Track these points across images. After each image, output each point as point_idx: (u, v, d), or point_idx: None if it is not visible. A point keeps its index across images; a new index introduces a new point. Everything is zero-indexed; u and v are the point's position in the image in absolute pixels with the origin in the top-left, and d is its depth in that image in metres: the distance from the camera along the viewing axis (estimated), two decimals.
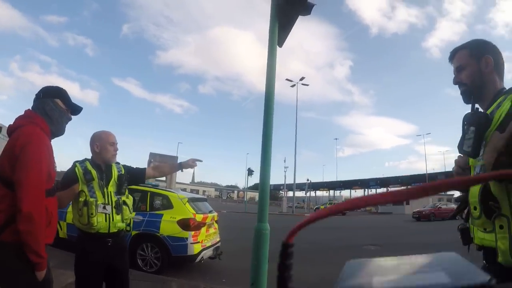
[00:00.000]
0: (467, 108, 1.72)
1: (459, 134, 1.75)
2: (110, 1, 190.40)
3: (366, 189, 75.18)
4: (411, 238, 15.60)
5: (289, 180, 56.23)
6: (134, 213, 3.21)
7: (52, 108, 2.34)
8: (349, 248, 11.54)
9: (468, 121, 1.66)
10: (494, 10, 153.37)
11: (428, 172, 65.85)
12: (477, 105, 1.73)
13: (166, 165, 3.76)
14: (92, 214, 2.80)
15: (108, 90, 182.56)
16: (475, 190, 1.58)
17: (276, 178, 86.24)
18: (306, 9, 3.61)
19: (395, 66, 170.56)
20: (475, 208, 1.59)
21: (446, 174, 53.29)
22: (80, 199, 2.83)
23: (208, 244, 7.29)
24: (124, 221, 3.02)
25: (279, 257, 0.49)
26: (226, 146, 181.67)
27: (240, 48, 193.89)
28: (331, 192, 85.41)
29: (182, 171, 3.39)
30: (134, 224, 6.42)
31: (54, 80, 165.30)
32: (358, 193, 79.39)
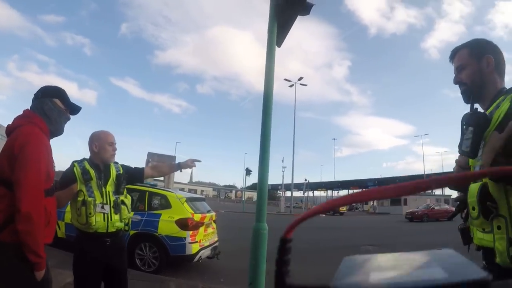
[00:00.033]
0: (466, 109, 1.72)
1: (457, 134, 1.75)
2: (108, 1, 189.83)
3: (364, 189, 74.97)
4: (409, 238, 15.63)
5: (287, 180, 56.45)
6: (132, 212, 3.21)
7: (51, 108, 2.34)
8: (347, 248, 11.54)
9: (466, 121, 1.66)
10: (493, 11, 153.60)
11: (426, 173, 66.01)
12: (476, 105, 1.73)
13: (165, 165, 3.77)
14: (90, 213, 2.80)
15: (106, 89, 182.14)
16: (473, 190, 1.58)
17: (274, 178, 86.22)
18: (305, 9, 3.62)
19: (394, 67, 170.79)
20: (473, 209, 1.59)
21: (443, 175, 53.33)
22: (79, 198, 2.83)
23: (206, 244, 7.30)
24: (123, 220, 3.02)
25: (277, 252, 0.49)
26: (224, 146, 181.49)
27: (239, 48, 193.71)
28: (329, 192, 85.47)
29: (181, 171, 3.40)
30: (132, 224, 6.41)
31: (52, 80, 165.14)
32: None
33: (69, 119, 2.49)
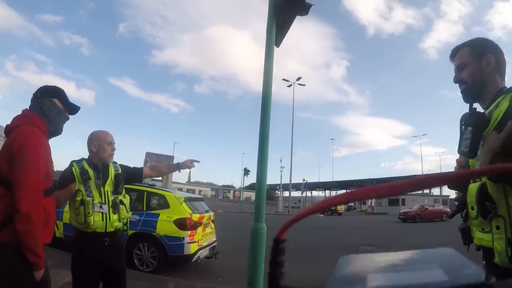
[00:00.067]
0: (464, 109, 1.71)
1: (456, 135, 1.75)
2: (106, 0, 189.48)
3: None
4: (408, 238, 15.63)
5: (285, 180, 56.40)
6: (130, 212, 3.21)
7: (50, 108, 2.34)
8: (344, 248, 11.55)
9: (465, 121, 1.65)
10: (491, 12, 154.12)
11: (424, 173, 66.06)
12: (475, 105, 1.73)
13: (163, 165, 3.77)
14: (88, 213, 2.80)
15: (104, 89, 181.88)
16: (472, 190, 1.59)
17: (272, 178, 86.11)
18: (304, 9, 3.63)
19: (392, 67, 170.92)
20: (472, 208, 1.59)
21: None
22: (77, 198, 2.83)
23: (205, 244, 7.30)
24: (121, 220, 3.02)
25: (271, 254, 0.48)
26: (222, 145, 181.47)
27: (236, 47, 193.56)
28: (327, 192, 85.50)
29: (179, 171, 3.40)
30: (130, 224, 6.43)
31: (50, 80, 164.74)
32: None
33: (68, 119, 2.49)
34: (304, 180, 70.79)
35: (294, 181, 54.44)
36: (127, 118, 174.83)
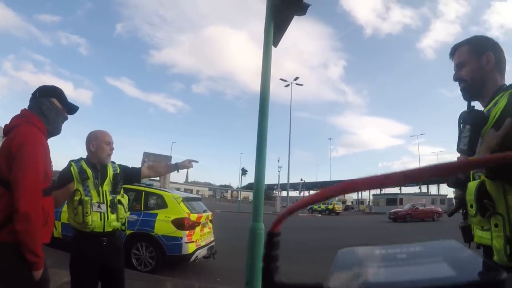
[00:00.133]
0: (462, 108, 1.72)
1: (453, 134, 1.76)
2: (104, 0, 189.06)
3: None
4: (406, 238, 15.65)
5: (283, 180, 56.34)
6: (129, 212, 3.21)
7: (49, 108, 2.34)
8: (342, 248, 11.55)
9: (464, 119, 1.66)
10: (489, 11, 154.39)
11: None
12: (473, 103, 1.74)
13: (162, 165, 3.77)
14: (87, 213, 2.80)
15: (101, 89, 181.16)
16: (471, 188, 1.59)
17: (270, 177, 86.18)
18: (302, 9, 3.63)
19: (389, 67, 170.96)
20: (471, 206, 1.60)
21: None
22: (75, 198, 2.83)
23: (203, 244, 7.31)
24: (119, 220, 3.03)
25: (264, 248, 0.46)
26: (220, 145, 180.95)
27: (234, 47, 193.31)
28: None
29: (178, 171, 3.40)
30: (128, 224, 6.41)
31: (48, 80, 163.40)
32: (352, 193, 79.57)
33: (66, 118, 2.50)
34: (302, 180, 70.87)
35: (292, 181, 54.55)
36: (125, 118, 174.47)
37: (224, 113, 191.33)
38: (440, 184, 59.73)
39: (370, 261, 0.39)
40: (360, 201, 72.16)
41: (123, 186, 3.16)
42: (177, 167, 3.34)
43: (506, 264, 1.45)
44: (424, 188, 65.29)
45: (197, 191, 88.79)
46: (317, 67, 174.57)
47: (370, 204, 60.49)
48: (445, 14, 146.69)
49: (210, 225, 8.14)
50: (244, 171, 55.95)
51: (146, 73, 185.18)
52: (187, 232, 6.85)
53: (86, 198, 2.83)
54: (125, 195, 3.17)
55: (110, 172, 3.04)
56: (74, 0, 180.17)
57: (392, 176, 0.42)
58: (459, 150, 1.69)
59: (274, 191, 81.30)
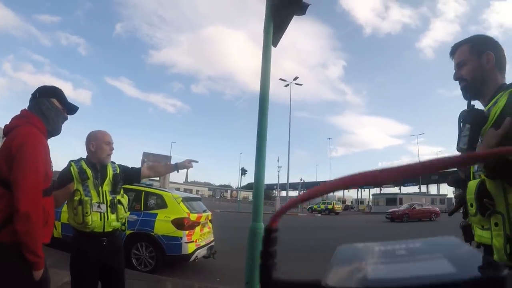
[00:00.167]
0: (461, 108, 1.72)
1: (453, 134, 1.76)
2: (103, 0, 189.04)
3: (359, 189, 75.40)
4: (405, 237, 15.65)
5: (283, 180, 56.31)
6: (128, 212, 3.22)
7: (48, 108, 2.34)
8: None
9: (464, 118, 1.66)
10: (488, 11, 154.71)
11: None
12: (473, 102, 1.73)
13: (162, 165, 3.78)
14: (87, 213, 2.80)
15: (101, 89, 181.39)
16: (471, 187, 1.59)
17: (269, 177, 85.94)
18: (301, 9, 3.63)
19: (388, 66, 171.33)
20: (471, 205, 1.59)
21: (438, 174, 53.27)
22: (75, 198, 2.83)
23: (202, 243, 7.32)
24: (119, 220, 3.03)
25: (262, 244, 0.46)
26: (219, 145, 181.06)
27: (233, 47, 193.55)
28: None
29: (178, 171, 3.40)
30: (128, 224, 6.41)
31: (47, 80, 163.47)
32: (352, 193, 79.79)
33: (66, 118, 2.50)
34: (301, 179, 70.74)
35: (291, 180, 54.45)
36: (124, 118, 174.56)
37: (224, 113, 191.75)
38: (440, 184, 59.86)
39: (369, 257, 0.39)
40: (360, 201, 72.19)
41: (123, 186, 3.16)
42: (177, 167, 3.34)
43: (506, 263, 1.44)
44: (424, 188, 65.25)
45: (197, 191, 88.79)
46: (316, 66, 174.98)
47: (370, 204, 60.45)
48: (445, 14, 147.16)
49: (210, 225, 8.14)
50: (243, 171, 55.87)
51: (145, 73, 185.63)
52: (187, 232, 6.85)
53: (86, 198, 2.83)
54: (125, 195, 3.18)
55: (110, 172, 3.05)
56: (73, 0, 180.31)
57: (393, 170, 0.41)
58: (459, 149, 1.68)
59: (274, 191, 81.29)
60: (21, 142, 2.08)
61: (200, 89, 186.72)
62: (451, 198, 46.55)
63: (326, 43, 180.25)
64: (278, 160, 57.94)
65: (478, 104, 1.76)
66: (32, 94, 2.38)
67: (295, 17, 3.77)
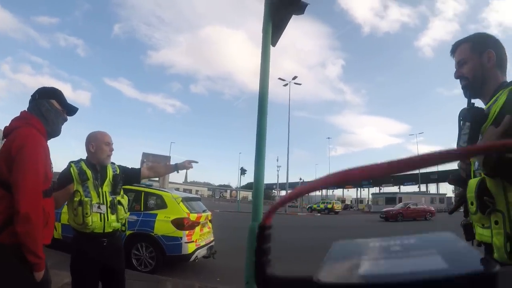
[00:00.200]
0: (461, 107, 1.71)
1: (452, 133, 1.76)
2: (101, 1, 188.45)
3: (359, 188, 75.51)
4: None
5: (282, 179, 56.42)
6: (128, 213, 3.22)
7: (48, 109, 2.34)
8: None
9: (464, 116, 1.65)
10: (487, 10, 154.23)
11: (420, 171, 66.08)
12: (473, 100, 1.73)
13: (161, 165, 3.78)
14: (87, 213, 2.81)
15: (99, 90, 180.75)
16: (472, 185, 1.59)
17: (269, 177, 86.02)
18: (300, 8, 3.63)
19: (387, 65, 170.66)
20: (472, 204, 1.59)
21: (438, 173, 53.36)
22: (75, 199, 2.83)
23: (202, 243, 7.32)
24: (119, 221, 3.03)
25: (256, 241, 0.45)
26: (219, 145, 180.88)
27: (232, 47, 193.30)
28: (324, 191, 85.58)
29: (177, 172, 3.40)
30: (128, 224, 6.40)
31: (46, 81, 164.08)
32: (351, 192, 79.92)
33: (66, 120, 2.50)
34: (301, 179, 70.83)
35: (291, 180, 54.62)
36: (123, 118, 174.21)
37: (223, 113, 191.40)
38: (440, 183, 59.89)
39: (364, 253, 0.38)
40: (359, 200, 72.27)
41: (123, 186, 3.16)
42: (177, 167, 3.35)
43: (506, 261, 1.44)
44: (423, 187, 65.27)
45: (196, 191, 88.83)
46: (315, 66, 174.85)
47: (369, 203, 60.50)
48: (443, 12, 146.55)
49: (210, 225, 8.15)
50: (243, 171, 55.95)
51: (144, 74, 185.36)
52: (186, 232, 6.86)
53: (86, 199, 2.83)
54: (125, 195, 3.18)
55: (110, 173, 3.05)
56: (71, 1, 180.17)
57: (395, 163, 0.40)
58: (458, 147, 1.67)
59: (273, 191, 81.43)
60: (21, 143, 2.08)
61: (199, 89, 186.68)
62: (450, 197, 46.64)
63: (325, 43, 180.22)
64: (277, 160, 58.29)
65: (479, 103, 1.76)
66: (31, 96, 2.38)
67: (294, 17, 3.77)
